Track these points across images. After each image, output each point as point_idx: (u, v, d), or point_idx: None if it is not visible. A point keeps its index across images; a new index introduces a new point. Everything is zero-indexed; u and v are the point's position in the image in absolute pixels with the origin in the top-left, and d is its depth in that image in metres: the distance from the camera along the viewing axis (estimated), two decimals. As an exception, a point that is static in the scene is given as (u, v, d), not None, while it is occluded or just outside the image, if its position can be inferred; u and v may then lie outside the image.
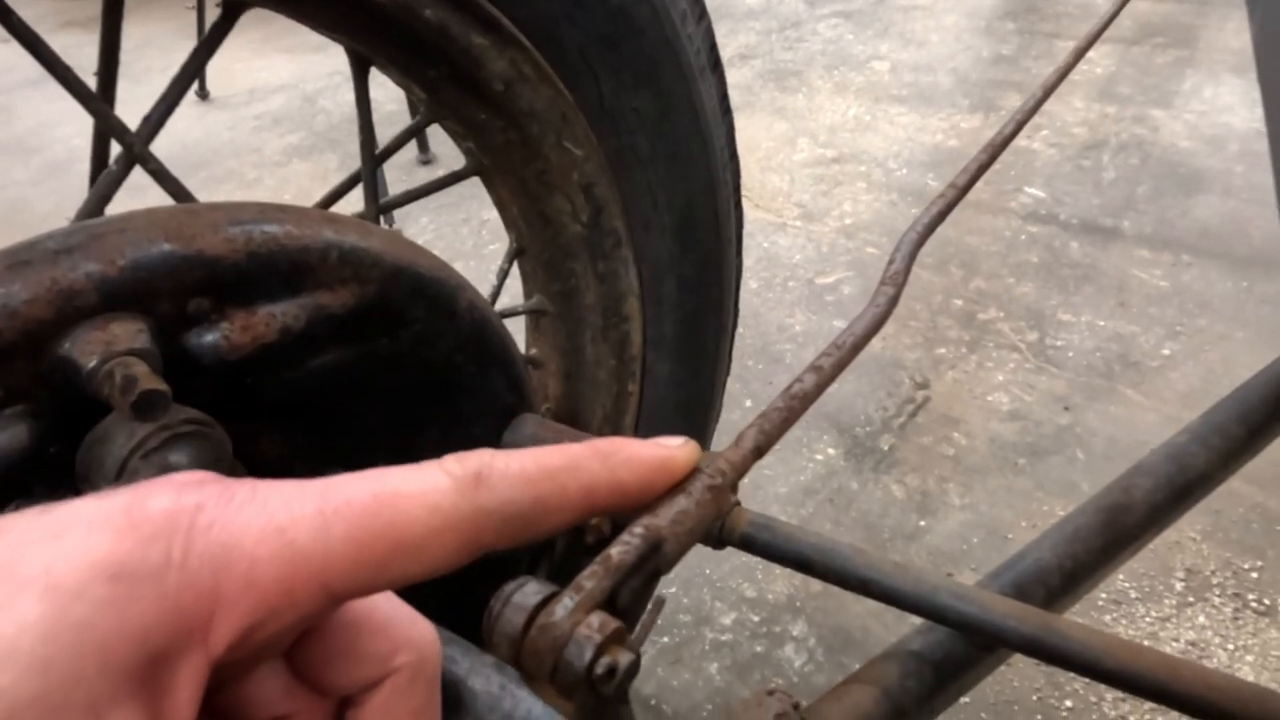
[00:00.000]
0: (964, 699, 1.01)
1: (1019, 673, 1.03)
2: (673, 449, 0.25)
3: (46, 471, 0.39)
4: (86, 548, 0.18)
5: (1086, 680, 1.03)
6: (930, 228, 0.40)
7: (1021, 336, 1.58)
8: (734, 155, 0.76)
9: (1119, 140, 2.18)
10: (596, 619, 0.22)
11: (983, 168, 0.46)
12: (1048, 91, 0.62)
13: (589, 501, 0.23)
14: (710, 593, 1.16)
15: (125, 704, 0.17)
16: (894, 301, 0.37)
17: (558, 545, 0.75)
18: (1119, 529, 0.57)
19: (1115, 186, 2.00)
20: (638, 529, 0.25)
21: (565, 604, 0.22)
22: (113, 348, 0.36)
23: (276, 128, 2.67)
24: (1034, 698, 1.01)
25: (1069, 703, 1.00)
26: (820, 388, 0.33)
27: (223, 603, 0.18)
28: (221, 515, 0.19)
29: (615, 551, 0.24)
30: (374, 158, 0.58)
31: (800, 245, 1.90)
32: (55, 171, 2.49)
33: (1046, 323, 1.60)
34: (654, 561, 0.25)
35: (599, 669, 0.21)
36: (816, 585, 1.16)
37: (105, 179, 0.45)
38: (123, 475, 0.37)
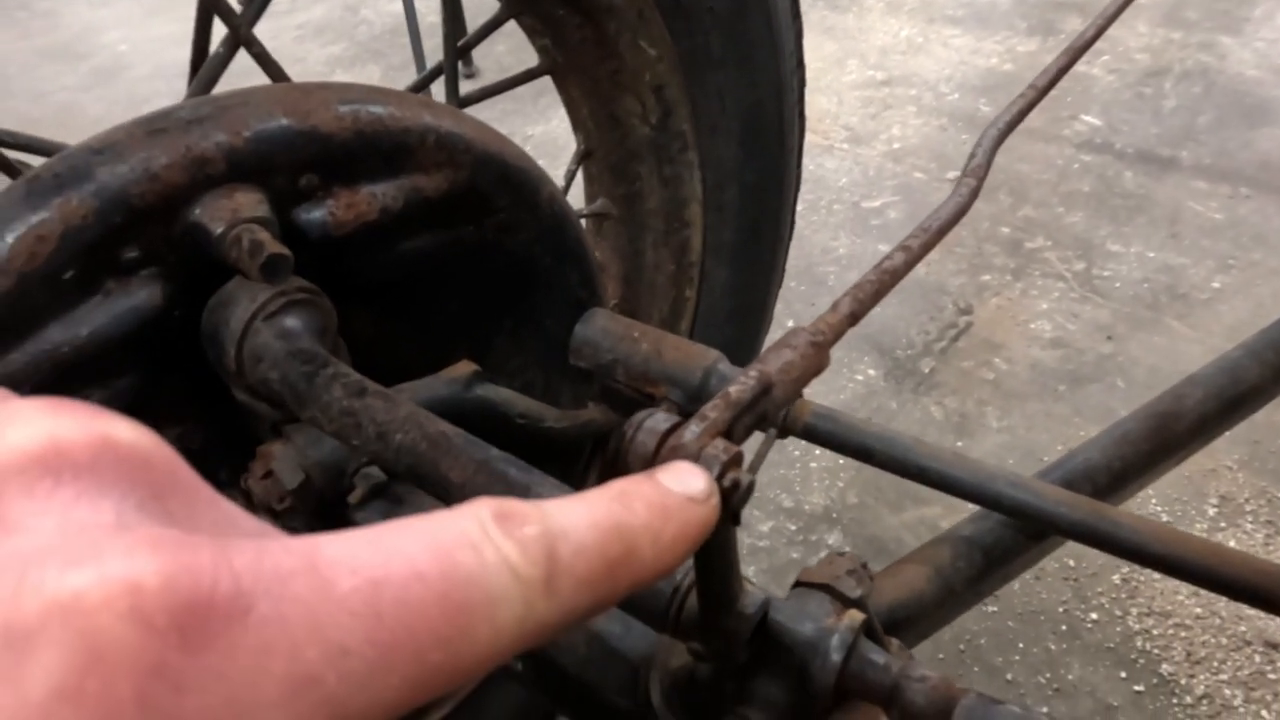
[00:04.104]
0: (992, 608, 1.05)
1: (1047, 586, 1.07)
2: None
3: (172, 333, 0.42)
4: None
5: (1111, 595, 1.06)
6: (1012, 124, 0.41)
7: (1068, 265, 1.56)
8: (801, 62, 0.76)
9: (1183, 68, 2.11)
10: (721, 442, 0.25)
11: (1063, 70, 0.47)
12: (1121, 8, 0.61)
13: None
14: (749, 502, 1.20)
15: None
16: (975, 192, 0.38)
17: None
18: (1167, 435, 0.59)
19: (1175, 115, 1.94)
20: (752, 372, 0.27)
21: (693, 429, 0.25)
22: (239, 215, 0.39)
23: (319, 38, 2.65)
24: (1060, 609, 1.05)
25: (1094, 615, 1.04)
26: (909, 265, 0.35)
27: None
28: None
29: (734, 389, 0.26)
30: (455, 50, 0.59)
31: (847, 169, 1.88)
32: (103, 77, 2.51)
33: (1094, 252, 1.59)
34: (764, 403, 0.28)
35: (725, 483, 0.24)
36: (853, 498, 1.19)
37: (213, 61, 0.47)
38: (246, 337, 0.40)
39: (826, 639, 0.32)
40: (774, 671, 0.33)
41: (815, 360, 0.29)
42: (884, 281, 0.33)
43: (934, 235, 0.36)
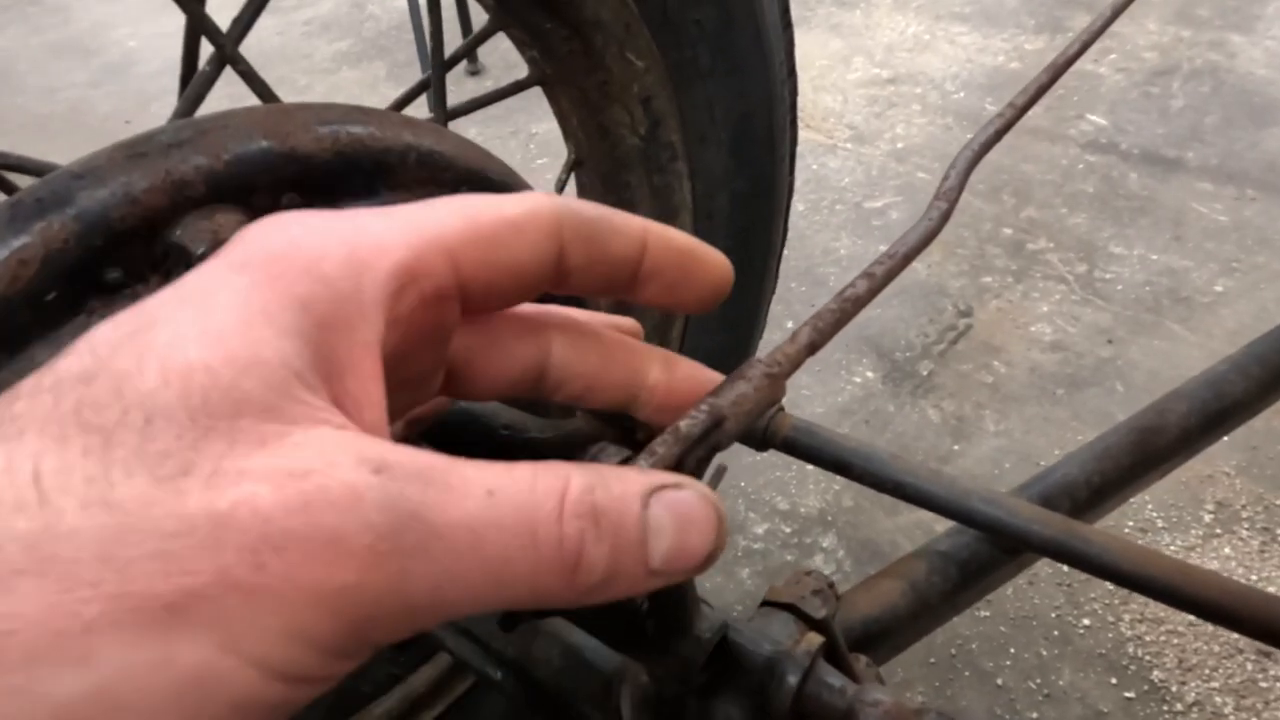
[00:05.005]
0: (984, 613, 1.06)
1: (1040, 591, 1.07)
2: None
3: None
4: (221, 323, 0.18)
5: (1104, 601, 1.06)
6: (987, 146, 0.41)
7: (1070, 268, 1.56)
8: (792, 71, 0.76)
9: (1191, 66, 2.09)
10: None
11: (1043, 88, 0.47)
12: (1118, 10, 0.61)
13: (637, 259, 0.27)
14: (745, 504, 1.20)
15: (305, 388, 0.19)
16: (946, 216, 0.39)
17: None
18: (1149, 450, 0.59)
19: (1183, 116, 1.93)
20: (703, 406, 0.28)
21: (641, 465, 0.25)
22: (219, 236, 0.39)
23: (325, 34, 2.66)
24: (1053, 615, 1.05)
25: (1086, 621, 1.04)
26: (872, 293, 0.35)
27: (372, 273, 0.21)
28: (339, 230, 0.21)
29: (683, 424, 0.27)
30: (443, 64, 0.60)
31: (850, 168, 1.87)
32: (113, 73, 2.52)
33: (1097, 255, 1.58)
34: (715, 436, 0.28)
35: (669, 519, 0.24)
36: (848, 501, 1.20)
37: (199, 79, 0.48)
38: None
39: (784, 662, 0.32)
40: (733, 693, 0.33)
41: (770, 392, 0.29)
42: (845, 310, 0.34)
43: (900, 261, 0.36)
